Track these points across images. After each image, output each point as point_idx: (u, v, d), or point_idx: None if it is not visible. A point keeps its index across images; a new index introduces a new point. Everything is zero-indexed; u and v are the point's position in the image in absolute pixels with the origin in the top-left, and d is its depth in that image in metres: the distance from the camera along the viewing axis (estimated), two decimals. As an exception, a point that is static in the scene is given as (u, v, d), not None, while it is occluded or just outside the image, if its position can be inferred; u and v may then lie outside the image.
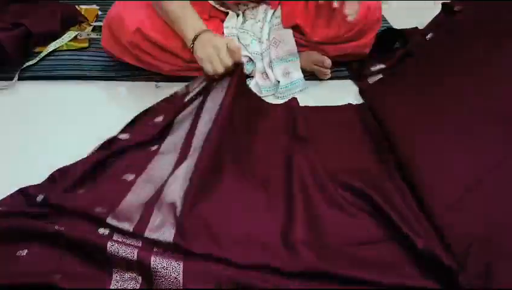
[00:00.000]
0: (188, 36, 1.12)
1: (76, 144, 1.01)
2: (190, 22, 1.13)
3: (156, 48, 1.20)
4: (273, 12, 1.29)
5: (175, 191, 0.84)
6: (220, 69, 1.06)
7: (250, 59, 1.27)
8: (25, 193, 0.87)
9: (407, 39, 1.41)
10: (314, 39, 1.27)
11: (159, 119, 1.07)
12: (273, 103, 1.22)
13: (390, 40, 1.44)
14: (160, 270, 0.70)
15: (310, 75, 1.33)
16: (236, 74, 1.08)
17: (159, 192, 0.85)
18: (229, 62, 1.06)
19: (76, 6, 1.63)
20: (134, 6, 1.18)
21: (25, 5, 1.42)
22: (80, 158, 0.96)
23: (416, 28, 1.52)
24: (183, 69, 1.26)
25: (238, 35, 1.27)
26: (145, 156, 0.97)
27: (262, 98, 1.23)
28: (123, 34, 1.18)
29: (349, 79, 1.38)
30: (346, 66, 1.39)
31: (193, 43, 1.11)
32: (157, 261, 0.70)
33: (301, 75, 1.29)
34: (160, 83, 1.30)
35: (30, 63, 1.32)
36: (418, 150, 0.95)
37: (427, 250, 0.74)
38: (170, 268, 0.70)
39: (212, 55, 1.06)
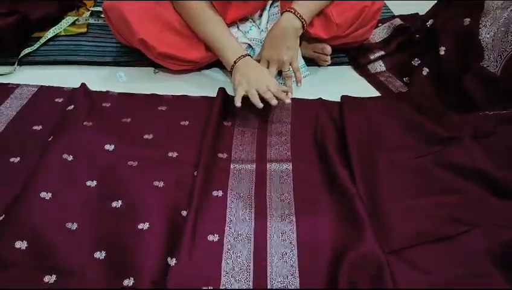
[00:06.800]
0: (228, 61, 1.16)
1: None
2: (229, 44, 1.16)
3: (167, 58, 1.21)
4: (272, 1, 1.28)
5: None
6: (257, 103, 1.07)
7: (250, 46, 1.26)
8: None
9: (408, 26, 1.41)
10: (313, 37, 1.25)
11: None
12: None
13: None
14: None
15: (309, 61, 1.32)
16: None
17: None
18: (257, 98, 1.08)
19: (75, -9, 1.62)
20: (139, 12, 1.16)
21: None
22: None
23: (417, 13, 1.52)
24: (192, 68, 1.28)
25: (237, 22, 1.26)
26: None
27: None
28: (131, 39, 1.19)
29: (349, 65, 1.37)
30: (346, 53, 1.38)
31: (232, 68, 1.15)
32: None
33: (303, 62, 1.28)
34: (158, 69, 1.30)
35: (29, 50, 1.31)
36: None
37: None
38: None
39: (249, 88, 1.09)
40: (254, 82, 1.09)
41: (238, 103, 1.06)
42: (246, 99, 1.08)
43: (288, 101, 1.07)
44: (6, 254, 0.76)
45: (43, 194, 0.85)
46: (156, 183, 0.91)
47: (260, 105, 1.06)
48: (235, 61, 1.14)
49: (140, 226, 0.82)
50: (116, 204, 0.87)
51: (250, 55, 1.17)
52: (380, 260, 0.76)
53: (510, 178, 0.92)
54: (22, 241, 0.78)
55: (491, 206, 0.90)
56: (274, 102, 1.06)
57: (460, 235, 0.83)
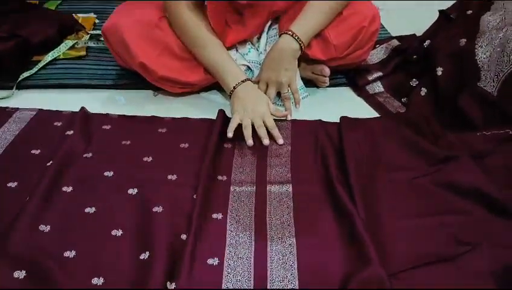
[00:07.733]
0: (228, 85, 1.16)
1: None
2: (229, 68, 1.17)
3: (167, 81, 1.22)
4: (271, 24, 1.29)
5: None
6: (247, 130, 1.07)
7: (249, 68, 1.27)
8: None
9: (405, 47, 1.42)
10: (311, 58, 1.25)
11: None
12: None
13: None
14: None
15: (307, 82, 1.33)
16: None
17: None
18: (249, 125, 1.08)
19: (74, 15, 1.64)
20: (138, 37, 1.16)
21: (22, 15, 1.42)
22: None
23: (414, 34, 1.53)
24: (191, 90, 1.29)
25: (236, 45, 1.27)
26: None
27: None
28: (131, 62, 1.19)
29: (347, 86, 1.38)
30: (344, 74, 1.39)
31: (231, 92, 1.15)
32: None
33: (301, 83, 1.29)
34: (158, 92, 1.31)
35: (28, 73, 1.32)
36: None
37: None
38: None
39: (244, 117, 1.09)
40: (251, 110, 1.10)
41: (229, 133, 1.06)
42: (240, 128, 1.08)
43: (281, 141, 1.09)
44: (4, 283, 0.75)
45: (41, 227, 0.85)
46: (155, 209, 0.90)
47: (250, 142, 1.05)
48: (234, 86, 1.14)
49: (141, 254, 0.81)
50: (116, 232, 0.86)
51: (250, 80, 1.17)
52: (385, 282, 0.75)
53: (510, 198, 0.92)
54: (21, 270, 0.77)
55: (492, 226, 0.89)
56: (266, 142, 1.07)
57: (461, 256, 0.82)
